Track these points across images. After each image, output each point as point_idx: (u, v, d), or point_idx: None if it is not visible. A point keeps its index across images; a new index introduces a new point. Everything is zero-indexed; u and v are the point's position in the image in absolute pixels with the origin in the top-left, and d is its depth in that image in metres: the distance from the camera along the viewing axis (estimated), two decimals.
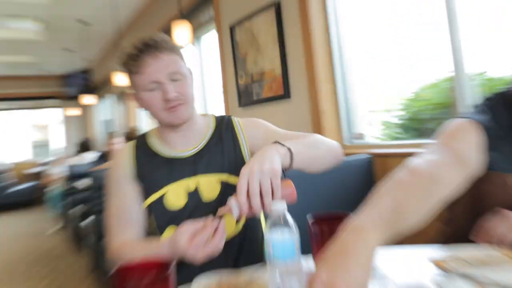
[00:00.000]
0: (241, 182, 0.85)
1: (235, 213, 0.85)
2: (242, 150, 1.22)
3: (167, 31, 4.66)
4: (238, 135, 1.24)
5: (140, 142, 1.25)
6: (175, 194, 1.16)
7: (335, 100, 2.57)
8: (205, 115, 1.30)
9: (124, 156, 1.22)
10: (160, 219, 1.16)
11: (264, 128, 1.26)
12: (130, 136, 3.60)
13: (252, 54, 3.15)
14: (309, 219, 0.83)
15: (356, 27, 2.56)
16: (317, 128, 2.55)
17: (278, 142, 0.96)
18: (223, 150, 1.21)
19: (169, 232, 1.15)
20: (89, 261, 3.89)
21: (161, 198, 1.16)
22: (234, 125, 1.26)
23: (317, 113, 2.55)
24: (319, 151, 1.06)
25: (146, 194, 1.17)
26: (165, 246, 0.98)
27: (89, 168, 4.03)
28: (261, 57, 3.04)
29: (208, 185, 1.16)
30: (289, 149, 0.94)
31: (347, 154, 2.30)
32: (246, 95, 3.28)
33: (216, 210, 1.10)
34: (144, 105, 1.17)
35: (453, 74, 1.92)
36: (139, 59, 1.11)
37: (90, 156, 5.34)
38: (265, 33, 2.98)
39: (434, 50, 2.08)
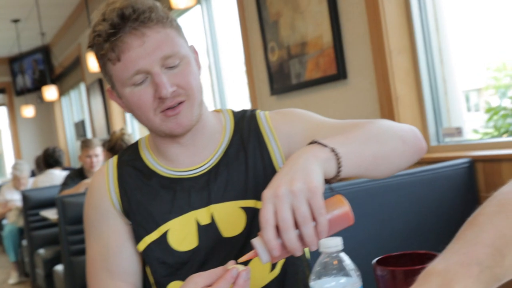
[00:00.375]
0: (265, 212, 0.85)
1: (264, 257, 0.87)
2: (274, 160, 1.24)
3: None
4: (266, 138, 1.25)
5: (126, 159, 1.28)
6: (182, 232, 1.19)
7: (416, 78, 2.58)
8: (218, 111, 1.32)
9: (100, 182, 1.26)
10: (160, 269, 1.20)
11: (304, 121, 1.27)
12: (113, 145, 3.71)
13: (287, 15, 3.20)
14: (376, 262, 0.86)
15: None
16: (389, 119, 2.56)
17: (317, 142, 0.96)
18: (247, 163, 1.23)
19: None
20: None
21: (163, 238, 1.20)
22: (260, 123, 1.27)
23: (388, 100, 2.57)
24: (385, 144, 1.06)
25: (138, 235, 1.21)
26: None
27: (58, 192, 4.18)
28: (301, 18, 3.09)
29: (228, 215, 1.19)
30: (333, 150, 0.95)
31: (435, 160, 2.31)
32: (280, 77, 3.33)
33: (244, 247, 1.15)
34: (127, 106, 1.19)
35: None
36: (116, 40, 1.10)
37: (59, 174, 5.53)
38: None
39: None
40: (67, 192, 3.97)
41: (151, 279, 1.23)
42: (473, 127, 2.65)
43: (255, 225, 1.17)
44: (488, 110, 2.67)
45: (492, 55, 2.61)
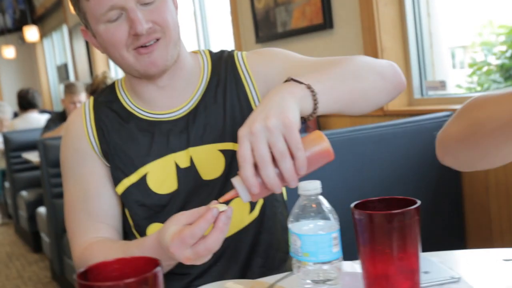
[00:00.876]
0: (242, 150, 0.85)
1: (244, 196, 0.88)
2: (251, 101, 1.24)
3: None
4: (243, 78, 1.25)
5: (103, 100, 1.26)
6: (161, 174, 1.19)
7: (402, 30, 2.57)
8: (196, 52, 1.31)
9: (78, 123, 1.24)
10: (139, 211, 1.21)
11: (281, 60, 1.25)
12: (95, 88, 3.68)
13: None
14: (354, 206, 0.87)
15: None
16: None
17: (292, 79, 0.95)
18: (224, 105, 1.22)
19: (153, 231, 1.20)
20: (49, 265, 4.09)
21: (142, 180, 1.20)
22: (237, 64, 1.26)
23: (373, 51, 2.56)
24: (363, 80, 1.05)
25: (117, 178, 1.21)
26: (150, 245, 1.01)
27: (40, 135, 4.16)
28: None
29: (207, 158, 1.19)
30: (309, 87, 0.93)
31: (418, 113, 2.33)
32: (266, 25, 3.30)
33: (224, 189, 1.15)
34: (101, 45, 1.17)
35: None
36: None
37: (37, 118, 5.47)
38: None
39: None
40: (49, 134, 3.95)
41: (130, 221, 1.24)
42: (457, 82, 2.66)
43: (234, 168, 1.17)
44: (471, 65, 2.68)
45: (479, 12, 2.60)
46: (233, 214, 0.91)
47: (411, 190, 2.06)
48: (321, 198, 0.89)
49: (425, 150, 2.13)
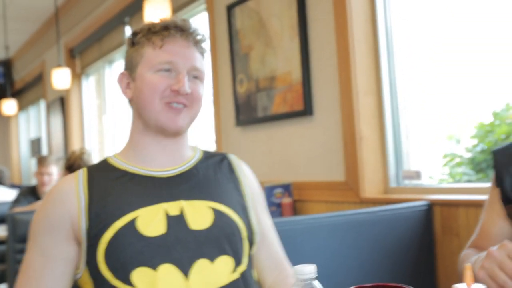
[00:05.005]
0: None
1: None
2: (243, 189, 1.40)
3: (129, 9, 4.80)
4: (237, 171, 1.43)
5: (95, 167, 1.36)
6: (150, 219, 1.25)
7: (381, 121, 2.65)
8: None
9: (69, 186, 1.28)
10: (127, 254, 1.21)
11: (263, 202, 1.47)
12: (72, 163, 3.66)
13: (258, 48, 3.26)
14: None
15: (415, 19, 2.66)
16: (353, 160, 2.63)
17: None
18: (216, 177, 1.37)
19: (137, 277, 1.20)
20: None
21: (131, 223, 1.23)
22: (231, 158, 1.45)
23: (352, 140, 2.62)
24: None
25: (106, 223, 1.23)
26: None
27: (9, 209, 4.08)
28: (273, 53, 3.15)
29: (196, 210, 1.29)
30: None
31: (395, 201, 2.36)
32: (247, 109, 3.37)
33: (210, 242, 1.25)
34: (137, 89, 1.32)
35: None
36: (168, 34, 1.30)
37: (5, 191, 5.39)
38: (279, 18, 3.09)
39: None
40: (20, 209, 3.87)
41: (108, 275, 1.23)
42: (430, 172, 2.71)
43: (219, 223, 1.28)
44: (444, 156, 2.74)
45: (456, 109, 2.70)
46: (217, 271, 1.12)
47: (387, 275, 2.07)
48: (316, 282, 0.90)
49: (401, 237, 2.15)
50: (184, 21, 1.33)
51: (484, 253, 1.12)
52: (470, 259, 1.26)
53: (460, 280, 0.99)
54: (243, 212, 1.35)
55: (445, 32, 2.57)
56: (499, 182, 1.42)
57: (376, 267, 2.08)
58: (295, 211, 2.98)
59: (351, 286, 0.94)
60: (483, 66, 2.44)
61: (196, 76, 1.32)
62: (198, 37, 1.34)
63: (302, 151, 2.96)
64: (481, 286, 0.92)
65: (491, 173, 2.14)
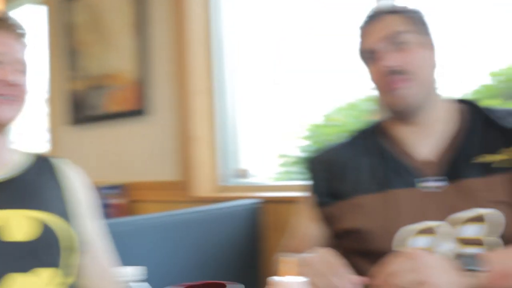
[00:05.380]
0: None
1: None
2: (67, 196, 1.35)
3: None
4: (63, 182, 1.37)
5: None
6: None
7: (213, 121, 2.68)
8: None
9: None
10: None
11: (89, 212, 1.41)
12: None
13: (94, 44, 3.17)
14: None
15: (247, 24, 2.73)
16: (186, 159, 2.64)
17: None
18: (39, 184, 1.32)
19: None
20: None
21: None
22: (57, 168, 1.38)
23: (186, 139, 2.64)
24: None
25: None
26: None
27: None
28: (109, 51, 3.07)
29: (14, 221, 1.22)
30: None
31: (225, 199, 2.40)
32: (81, 108, 3.26)
33: (28, 254, 1.18)
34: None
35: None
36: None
37: None
38: (116, 13, 3.02)
39: (350, 62, 2.31)
40: None
41: None
42: (263, 171, 2.78)
43: (41, 233, 1.22)
44: (279, 156, 2.82)
45: (287, 111, 2.78)
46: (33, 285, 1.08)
47: (218, 272, 2.08)
48: (145, 285, 0.89)
49: (231, 235, 2.19)
50: (4, 14, 1.30)
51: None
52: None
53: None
54: (67, 220, 1.30)
55: (277, 36, 2.65)
56: (315, 188, 1.47)
57: (208, 265, 2.10)
58: (129, 211, 2.92)
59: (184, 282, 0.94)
60: (313, 71, 2.54)
61: (20, 69, 1.28)
62: (19, 31, 1.30)
63: (137, 150, 2.92)
64: (296, 278, 0.95)
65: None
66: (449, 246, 1.24)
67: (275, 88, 2.70)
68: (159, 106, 2.81)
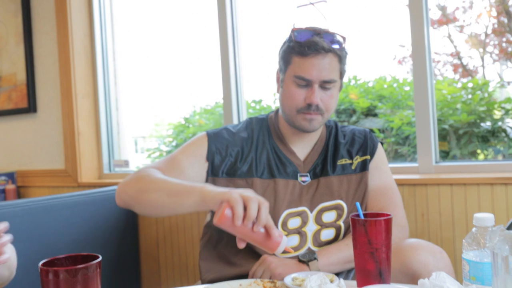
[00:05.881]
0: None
1: None
2: None
3: None
4: None
5: None
6: None
7: (96, 119, 2.54)
8: None
9: None
10: None
11: None
12: None
13: None
14: (43, 264, 0.77)
15: (128, 36, 2.61)
16: (72, 151, 2.46)
17: None
18: None
19: None
20: None
21: None
22: None
23: (71, 134, 2.45)
24: None
25: None
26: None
27: None
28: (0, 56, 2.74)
29: None
30: None
31: (106, 184, 2.28)
32: None
33: None
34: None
35: (227, 100, 2.17)
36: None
37: None
38: (5, 24, 2.71)
39: (210, 74, 2.33)
40: None
41: None
42: (140, 162, 2.72)
43: None
44: (148, 150, 2.78)
45: (155, 113, 2.75)
46: None
47: (100, 248, 1.98)
48: None
49: (111, 215, 2.09)
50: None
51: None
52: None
53: None
54: None
55: (155, 47, 2.59)
56: (210, 158, 1.31)
57: (92, 242, 1.98)
58: (19, 196, 2.64)
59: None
60: (180, 79, 2.53)
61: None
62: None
63: (26, 143, 2.65)
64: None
65: None
66: (312, 227, 1.30)
67: (150, 92, 2.64)
68: (46, 105, 2.58)
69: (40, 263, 0.75)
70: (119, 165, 2.51)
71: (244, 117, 2.18)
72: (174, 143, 2.70)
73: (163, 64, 2.57)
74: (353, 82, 2.39)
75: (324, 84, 1.25)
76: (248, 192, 0.97)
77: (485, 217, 0.86)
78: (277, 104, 2.29)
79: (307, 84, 1.25)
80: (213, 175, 1.31)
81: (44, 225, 1.83)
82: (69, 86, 2.45)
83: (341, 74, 1.30)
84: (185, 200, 1.05)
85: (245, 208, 0.94)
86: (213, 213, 1.40)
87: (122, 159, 2.51)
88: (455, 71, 2.16)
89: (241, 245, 0.97)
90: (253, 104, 2.45)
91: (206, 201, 1.01)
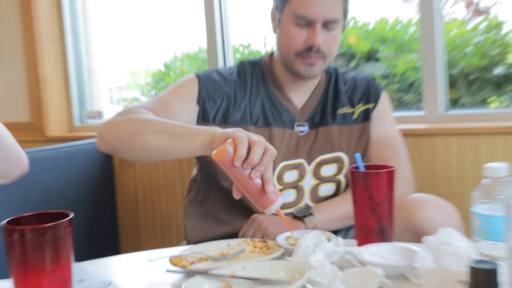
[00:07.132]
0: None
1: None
2: None
3: None
4: None
5: None
6: None
7: (64, 65, 2.47)
8: None
9: None
10: None
11: None
12: None
13: None
14: (7, 223, 0.75)
15: None
16: (37, 101, 2.41)
17: None
18: None
19: None
20: None
21: None
22: None
23: (36, 82, 2.40)
24: None
25: None
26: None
27: None
28: None
29: None
30: None
31: (77, 138, 2.25)
32: None
33: None
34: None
35: (212, 44, 2.13)
36: None
37: None
38: None
39: (193, 15, 2.27)
40: None
41: None
42: (112, 112, 2.68)
43: None
44: (124, 100, 2.75)
45: (132, 60, 2.69)
46: None
47: (72, 208, 1.96)
48: None
49: (84, 169, 2.07)
50: None
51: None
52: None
53: None
54: None
55: None
56: (201, 101, 1.27)
57: (64, 198, 1.97)
58: None
59: None
60: (158, 23, 2.45)
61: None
62: None
63: None
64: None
65: None
66: (310, 181, 1.28)
67: (125, 37, 2.57)
68: (6, 51, 2.50)
69: (3, 222, 0.73)
70: (91, 117, 2.47)
71: (231, 63, 2.14)
72: (153, 92, 2.67)
73: (139, 4, 2.48)
74: (352, 23, 2.34)
75: (327, 24, 1.20)
76: (257, 137, 0.92)
77: (497, 167, 0.84)
78: (268, 49, 2.24)
79: (308, 23, 1.20)
80: (203, 120, 1.27)
81: (7, 184, 1.81)
82: (31, 27, 2.38)
83: (345, 13, 1.25)
84: (190, 142, 1.01)
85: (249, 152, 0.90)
86: (200, 167, 1.37)
87: (95, 110, 2.47)
88: (467, 7, 2.12)
89: (237, 196, 0.95)
90: (241, 49, 2.40)
91: (214, 141, 0.97)
